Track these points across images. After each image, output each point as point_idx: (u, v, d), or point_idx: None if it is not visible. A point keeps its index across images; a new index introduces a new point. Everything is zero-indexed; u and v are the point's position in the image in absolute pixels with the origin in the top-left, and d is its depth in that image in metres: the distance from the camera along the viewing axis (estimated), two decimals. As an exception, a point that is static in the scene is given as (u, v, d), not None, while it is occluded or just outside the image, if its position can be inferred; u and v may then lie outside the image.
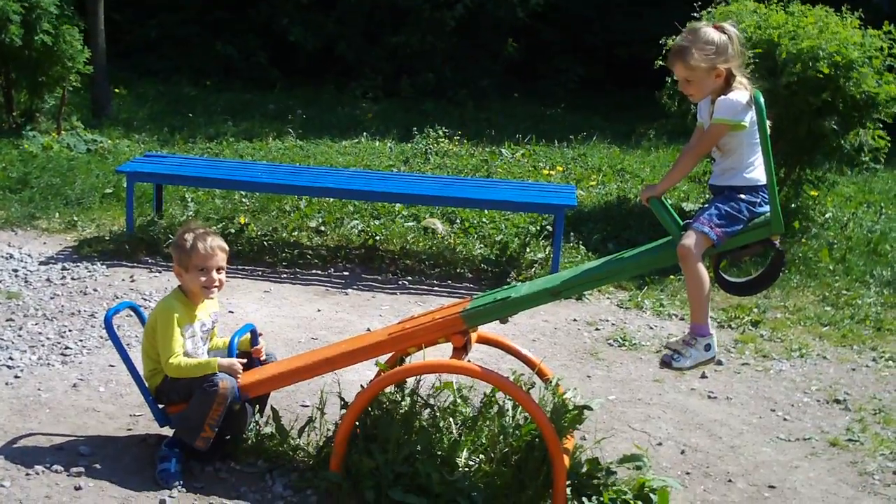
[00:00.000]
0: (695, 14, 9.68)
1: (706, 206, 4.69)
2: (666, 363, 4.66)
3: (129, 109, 15.34)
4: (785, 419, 6.20)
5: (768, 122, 4.45)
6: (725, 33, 4.57)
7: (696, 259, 4.50)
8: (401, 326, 5.07)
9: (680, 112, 10.11)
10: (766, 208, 4.57)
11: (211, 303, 5.22)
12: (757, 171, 4.56)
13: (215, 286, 5.05)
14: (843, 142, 9.53)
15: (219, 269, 5.06)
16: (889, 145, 9.83)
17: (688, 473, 5.40)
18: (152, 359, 5.02)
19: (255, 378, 5.06)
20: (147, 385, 5.04)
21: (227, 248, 5.14)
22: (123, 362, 5.07)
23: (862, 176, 12.58)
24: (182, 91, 17.30)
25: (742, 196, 4.55)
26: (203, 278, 5.00)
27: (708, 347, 4.59)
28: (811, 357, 7.25)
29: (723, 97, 4.55)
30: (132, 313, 5.58)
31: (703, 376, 6.74)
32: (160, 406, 5.05)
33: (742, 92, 4.53)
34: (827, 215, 10.73)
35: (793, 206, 10.08)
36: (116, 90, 15.98)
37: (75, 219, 9.47)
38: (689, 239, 4.51)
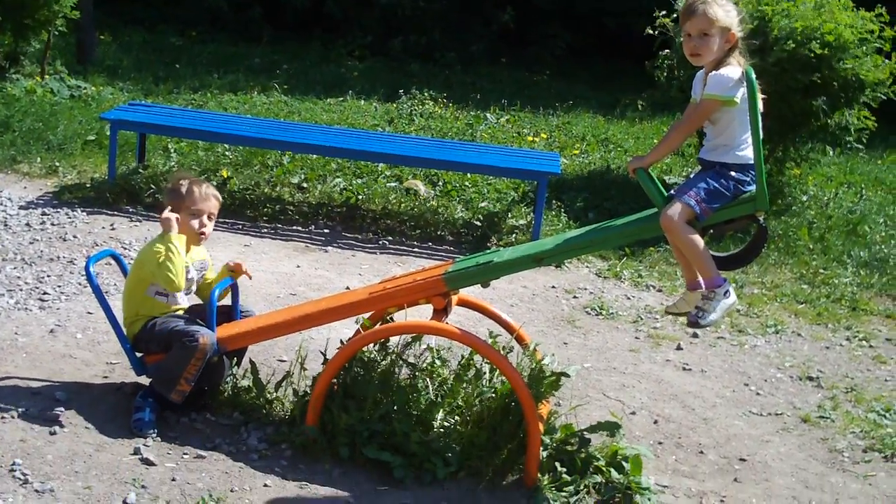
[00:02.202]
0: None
1: (693, 177, 4.69)
2: (693, 323, 4.63)
3: (113, 57, 15.24)
4: (758, 394, 6.25)
5: (760, 100, 4.46)
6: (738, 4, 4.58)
7: (680, 227, 4.50)
8: (382, 286, 5.08)
9: (666, 83, 10.11)
10: (753, 187, 4.58)
11: (198, 251, 5.21)
12: (748, 150, 4.56)
13: (205, 231, 5.05)
14: (829, 121, 9.56)
15: (210, 217, 5.07)
16: (875, 127, 9.87)
17: (660, 443, 5.44)
18: (135, 303, 5.01)
19: (233, 331, 5.06)
20: (125, 333, 5.04)
21: (220, 197, 5.17)
22: (102, 310, 5.06)
23: (844, 156, 12.62)
24: (167, 40, 17.20)
25: (732, 174, 4.56)
26: (195, 223, 5.00)
27: (727, 294, 4.59)
28: (786, 334, 7.30)
29: (714, 72, 4.54)
30: (112, 261, 5.57)
31: (679, 348, 6.79)
32: (138, 355, 5.05)
33: (735, 68, 4.53)
34: (808, 194, 10.77)
35: (775, 183, 10.11)
36: (102, 37, 15.86)
37: (57, 164, 9.42)
38: (673, 209, 4.52)
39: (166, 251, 4.88)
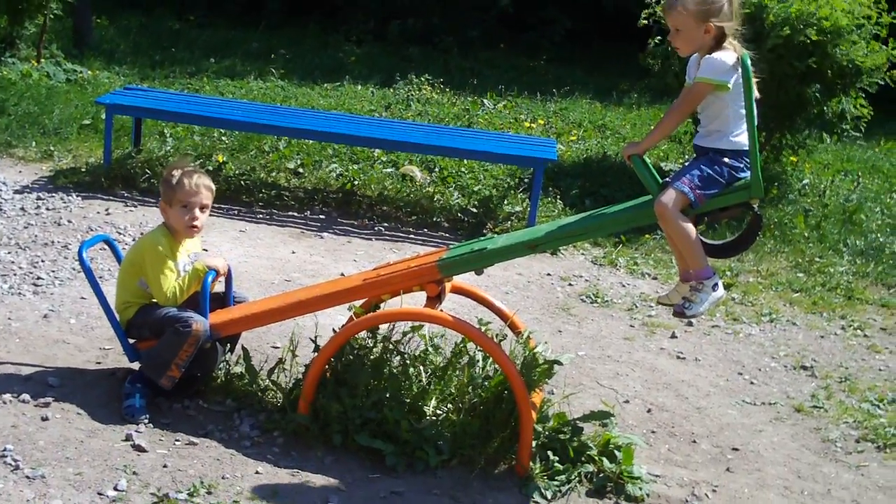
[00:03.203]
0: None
1: (687, 164, 4.68)
2: (679, 313, 4.64)
3: (110, 41, 15.20)
4: (752, 383, 6.25)
5: (755, 87, 4.44)
6: None
7: (673, 215, 4.50)
8: (376, 273, 5.07)
9: (662, 71, 10.10)
10: (748, 173, 4.56)
11: (193, 242, 5.19)
12: (743, 136, 4.55)
13: (196, 224, 5.02)
14: (825, 109, 9.55)
15: (202, 208, 5.03)
16: (871, 114, 9.85)
17: (653, 432, 5.44)
18: (128, 291, 5.00)
19: (227, 318, 5.05)
20: (118, 319, 5.03)
21: (213, 187, 5.12)
22: (95, 295, 5.05)
23: (841, 144, 12.61)
24: (165, 24, 17.16)
25: (726, 160, 4.54)
26: (185, 216, 4.98)
27: (715, 287, 4.60)
28: (781, 322, 7.30)
29: (708, 56, 4.52)
30: (106, 246, 5.56)
31: (674, 336, 6.78)
32: (131, 341, 5.04)
33: (729, 53, 4.51)
34: (804, 182, 10.75)
35: (771, 170, 10.10)
36: (98, 20, 15.82)
37: (52, 148, 9.40)
38: (667, 196, 4.51)
39: (184, 283, 4.93)
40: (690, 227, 4.55)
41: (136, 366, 5.06)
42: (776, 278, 8.15)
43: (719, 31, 4.53)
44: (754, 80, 4.45)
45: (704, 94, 4.54)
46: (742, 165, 4.57)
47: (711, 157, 4.59)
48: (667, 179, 4.65)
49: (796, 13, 8.94)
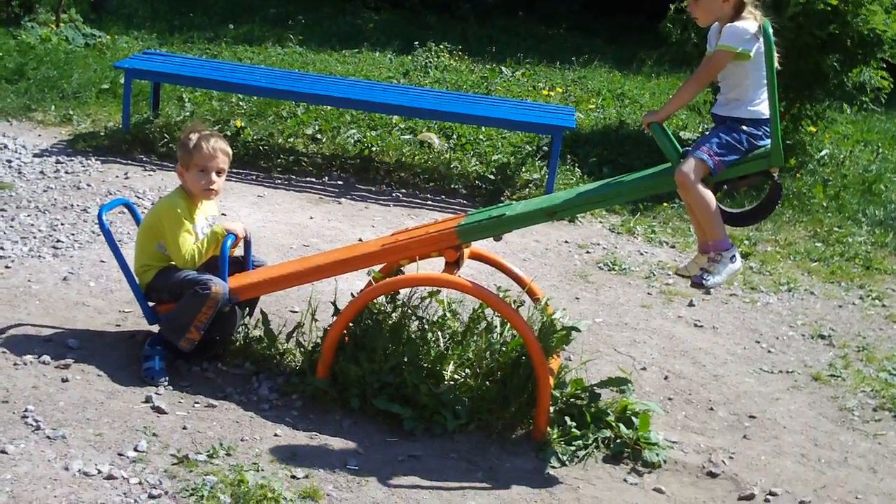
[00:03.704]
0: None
1: (707, 133, 4.67)
2: (697, 284, 4.66)
3: (128, 5, 15.19)
4: (769, 351, 6.25)
5: (776, 56, 4.43)
6: None
7: (694, 184, 4.49)
8: (394, 238, 5.08)
9: (681, 40, 10.05)
10: (767, 142, 4.56)
11: (210, 205, 5.21)
12: (762, 105, 4.54)
13: (213, 187, 5.03)
14: (845, 79, 9.49)
15: (219, 172, 5.04)
16: (892, 86, 9.79)
17: (670, 399, 5.45)
18: (146, 255, 5.03)
19: (246, 281, 5.07)
20: (138, 282, 5.05)
21: (230, 151, 5.13)
22: (115, 258, 5.07)
23: (861, 115, 12.54)
24: (183, -11, 17.12)
25: (744, 128, 4.54)
26: (202, 180, 4.99)
27: (734, 258, 4.62)
28: (799, 292, 7.28)
29: (730, 24, 4.51)
30: (125, 210, 5.58)
31: (691, 304, 6.78)
32: (150, 304, 5.06)
33: (751, 22, 4.49)
34: (823, 152, 10.70)
35: (790, 141, 10.06)
36: (117, -15, 15.80)
37: (71, 112, 9.41)
38: (687, 165, 4.51)
39: (202, 245, 4.96)
40: (710, 196, 4.54)
41: (155, 328, 5.09)
42: (794, 248, 8.13)
43: (737, 0, 4.52)
44: (776, 50, 4.43)
45: (725, 63, 4.53)
46: (761, 133, 4.57)
47: (730, 125, 4.58)
48: (686, 149, 4.65)
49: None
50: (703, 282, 4.63)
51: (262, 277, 5.11)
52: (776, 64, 4.45)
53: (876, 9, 9.09)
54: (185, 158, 5.03)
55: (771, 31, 4.42)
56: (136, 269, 5.07)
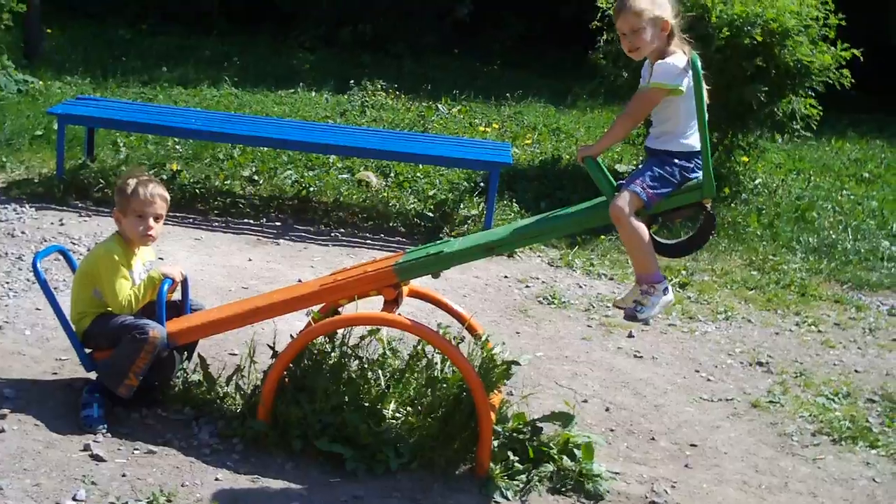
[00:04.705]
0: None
1: (640, 167, 4.72)
2: (631, 317, 4.67)
3: (61, 50, 15.07)
4: (708, 380, 6.30)
5: (706, 89, 4.49)
6: None
7: (628, 217, 4.53)
8: (333, 278, 5.07)
9: (612, 73, 10.17)
10: (699, 174, 4.61)
11: (147, 251, 5.18)
12: (693, 138, 4.59)
13: (151, 233, 5.00)
14: (775, 109, 9.65)
15: (157, 218, 5.02)
16: (821, 114, 9.96)
17: (612, 430, 5.48)
18: (82, 302, 4.98)
19: (184, 325, 5.03)
20: (74, 329, 5.00)
21: (167, 197, 5.11)
22: (50, 305, 5.01)
23: (793, 144, 12.74)
24: (117, 33, 17.03)
25: (676, 161, 4.58)
26: (140, 226, 4.96)
27: (666, 291, 4.63)
28: (736, 320, 7.36)
29: (660, 61, 4.56)
30: (60, 257, 5.52)
31: (631, 335, 6.83)
32: (87, 351, 5.01)
33: (680, 56, 4.55)
34: (757, 181, 10.86)
35: (724, 170, 10.19)
36: (49, 30, 15.67)
37: (4, 160, 9.32)
38: (622, 199, 4.55)
39: (139, 290, 4.92)
40: (643, 230, 4.57)
41: (92, 376, 5.03)
42: (731, 276, 8.23)
43: (671, 28, 4.58)
44: (704, 84, 4.49)
45: (659, 100, 4.58)
46: (692, 166, 4.62)
47: (662, 158, 4.62)
48: (621, 182, 4.69)
49: (741, 13, 9.04)
50: (637, 314, 4.66)
51: (200, 321, 5.08)
52: (705, 97, 4.50)
53: (802, 40, 9.26)
54: (122, 204, 5.01)
55: (699, 64, 4.48)
56: (73, 316, 5.02)
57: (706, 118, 4.49)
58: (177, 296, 5.23)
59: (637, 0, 4.54)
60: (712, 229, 4.80)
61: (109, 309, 4.96)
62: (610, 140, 4.84)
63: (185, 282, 5.20)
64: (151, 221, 5.00)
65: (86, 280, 4.98)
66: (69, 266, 5.38)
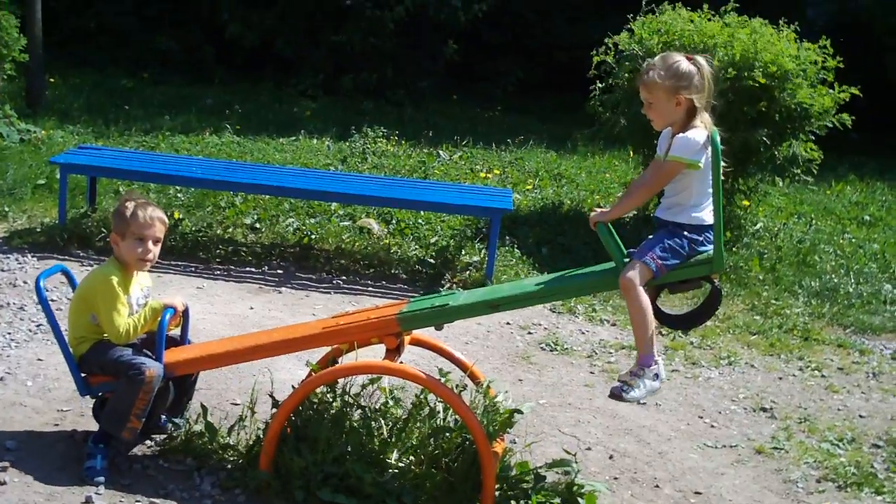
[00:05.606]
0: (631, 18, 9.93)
1: (651, 237, 4.70)
2: (616, 395, 4.66)
3: (64, 100, 15.14)
4: (712, 426, 6.28)
5: (723, 165, 4.49)
6: (695, 65, 4.59)
7: (638, 290, 4.53)
8: (335, 321, 5.06)
9: (611, 120, 10.22)
10: (708, 247, 4.61)
11: (144, 276, 5.17)
12: (705, 212, 4.61)
13: (149, 257, 5.00)
14: (776, 153, 9.68)
15: (156, 241, 5.02)
16: (821, 158, 9.99)
17: (615, 478, 5.45)
18: (80, 327, 4.95)
19: (182, 357, 5.01)
20: (72, 352, 4.97)
21: (166, 220, 5.12)
22: (51, 328, 5.00)
23: (793, 187, 12.76)
24: (118, 83, 17.11)
25: (686, 233, 4.59)
26: (139, 248, 4.96)
27: (656, 377, 4.61)
28: (739, 365, 7.34)
29: (681, 135, 4.56)
30: (63, 278, 5.53)
31: (633, 382, 6.80)
32: (83, 375, 4.98)
33: (701, 131, 4.54)
34: (758, 225, 10.87)
35: (725, 214, 10.20)
36: (52, 79, 15.76)
37: (6, 209, 9.34)
38: (632, 271, 4.55)
39: (139, 320, 4.91)
40: (648, 307, 4.56)
41: (94, 426, 5.00)
42: (733, 321, 8.21)
43: (689, 103, 4.58)
44: (722, 160, 4.50)
45: (676, 173, 4.58)
46: (702, 239, 4.62)
47: (672, 229, 4.63)
48: (632, 250, 4.69)
49: (741, 55, 9.10)
50: (623, 394, 4.64)
51: (200, 353, 5.06)
52: (722, 172, 4.51)
53: (801, 83, 9.31)
54: (120, 227, 5.00)
55: (718, 139, 4.49)
56: (71, 340, 4.98)
57: (721, 193, 4.50)
58: (176, 331, 5.21)
59: (652, 71, 4.56)
60: (719, 303, 4.81)
61: (105, 336, 4.94)
62: (625, 208, 4.87)
63: (185, 312, 5.19)
64: (150, 244, 4.99)
65: (83, 305, 4.97)
66: (71, 287, 5.37)
